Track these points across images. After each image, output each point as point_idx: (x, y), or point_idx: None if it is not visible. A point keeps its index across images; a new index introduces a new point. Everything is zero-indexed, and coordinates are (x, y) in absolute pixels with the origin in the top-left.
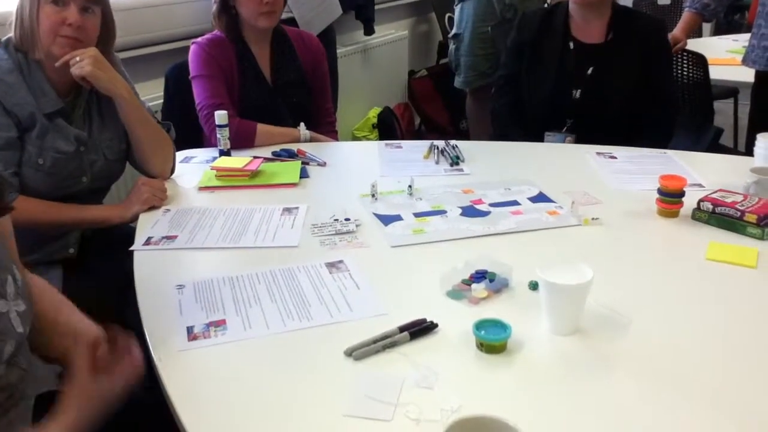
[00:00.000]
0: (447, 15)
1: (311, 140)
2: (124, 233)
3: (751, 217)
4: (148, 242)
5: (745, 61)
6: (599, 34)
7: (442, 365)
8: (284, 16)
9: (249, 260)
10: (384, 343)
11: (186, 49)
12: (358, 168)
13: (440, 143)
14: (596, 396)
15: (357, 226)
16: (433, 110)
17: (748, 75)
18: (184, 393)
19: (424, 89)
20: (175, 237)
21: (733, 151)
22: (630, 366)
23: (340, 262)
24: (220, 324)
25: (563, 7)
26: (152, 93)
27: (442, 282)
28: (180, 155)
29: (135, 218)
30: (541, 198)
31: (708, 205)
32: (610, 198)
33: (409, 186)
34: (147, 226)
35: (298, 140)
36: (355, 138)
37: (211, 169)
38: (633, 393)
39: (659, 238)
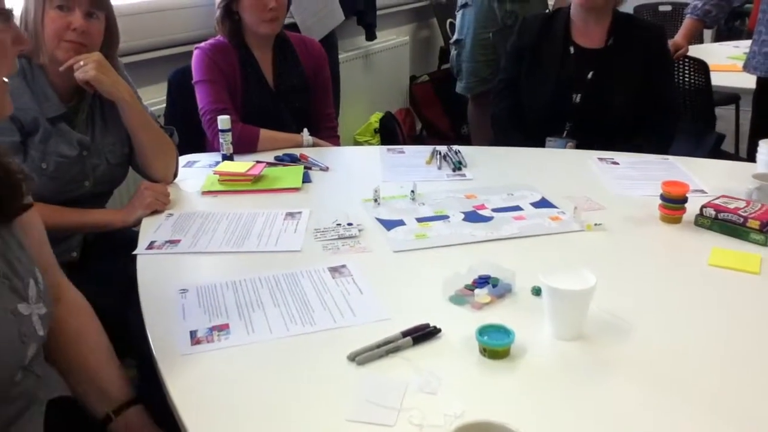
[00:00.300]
0: (448, 21)
1: (313, 146)
2: (127, 237)
3: (754, 223)
4: (151, 246)
5: (747, 68)
6: (599, 39)
7: (445, 370)
8: (286, 21)
9: (252, 265)
10: (387, 348)
11: (188, 54)
12: (361, 173)
13: (442, 148)
14: (599, 401)
15: (360, 230)
16: (435, 115)
17: (749, 81)
18: (188, 397)
19: (426, 94)
20: (178, 241)
21: (734, 157)
22: (633, 371)
23: (343, 266)
24: (223, 328)
25: (564, 12)
26: (155, 97)
27: (445, 287)
28: (183, 160)
29: (138, 222)
30: (543, 203)
31: (711, 211)
32: (612, 204)
33: (412, 191)
34: (150, 230)
35: (300, 146)
36: (356, 143)
37: (214, 173)
38: (636, 398)
39: (662, 244)
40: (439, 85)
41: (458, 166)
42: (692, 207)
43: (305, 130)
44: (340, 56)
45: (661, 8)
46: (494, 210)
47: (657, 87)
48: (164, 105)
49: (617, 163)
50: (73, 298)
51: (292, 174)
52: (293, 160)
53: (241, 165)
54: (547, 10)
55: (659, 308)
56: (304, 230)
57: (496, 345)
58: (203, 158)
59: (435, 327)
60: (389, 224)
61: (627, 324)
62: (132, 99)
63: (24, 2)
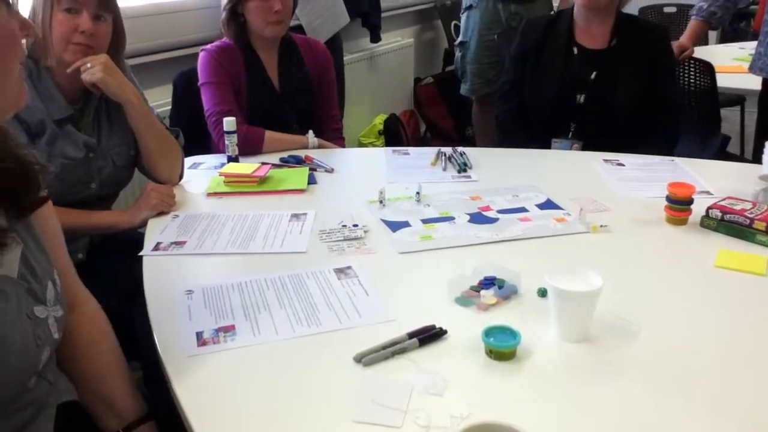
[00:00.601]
0: (453, 23)
1: (319, 147)
2: (133, 239)
3: (761, 225)
4: (157, 248)
5: (752, 69)
6: (603, 40)
7: (452, 372)
8: (291, 23)
9: (257, 266)
10: (393, 350)
11: (194, 56)
12: (366, 174)
13: (447, 150)
14: (605, 403)
15: (365, 232)
16: (439, 117)
17: (754, 83)
18: (194, 398)
19: (430, 96)
20: (184, 243)
21: (740, 158)
22: (639, 373)
23: (349, 268)
24: (229, 329)
25: (567, 13)
26: (160, 99)
27: (451, 288)
28: (188, 161)
29: (144, 224)
30: (548, 205)
31: (717, 213)
32: (617, 205)
33: (417, 192)
34: (156, 231)
35: (306, 147)
36: (361, 144)
37: (220, 175)
38: (642, 400)
39: (668, 245)
40: (444, 87)
41: (463, 168)
42: (698, 208)
43: (310, 131)
44: (344, 58)
45: (666, 9)
46: (499, 211)
47: (660, 88)
48: (169, 107)
49: (623, 165)
50: (92, 309)
51: (297, 175)
52: (298, 161)
53: (247, 166)
54: (552, 12)
55: (665, 310)
56: (309, 231)
57: (502, 346)
58: (208, 160)
59: (441, 328)
60: (394, 225)
61: (633, 326)
62: (138, 101)
63: (32, 4)
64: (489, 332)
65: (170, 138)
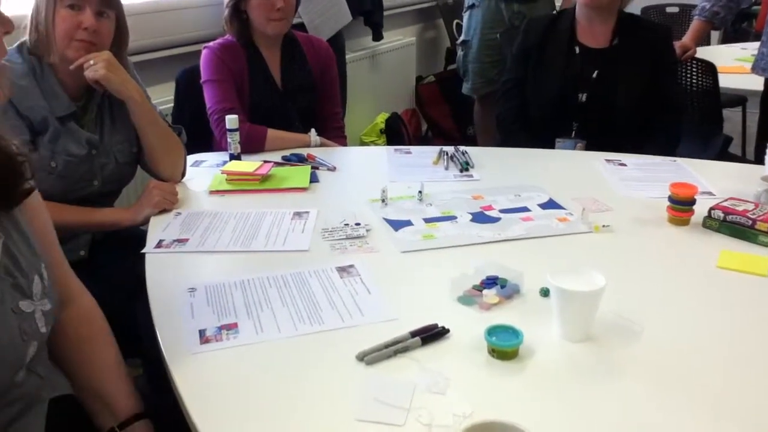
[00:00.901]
0: (455, 21)
1: (321, 146)
2: (135, 236)
3: (763, 226)
4: (159, 245)
5: (755, 69)
6: (605, 39)
7: (454, 371)
8: (294, 21)
9: (260, 264)
10: (396, 348)
11: (196, 53)
12: (368, 173)
13: (449, 149)
14: (607, 402)
15: (367, 230)
16: (440, 116)
17: (756, 83)
18: (197, 395)
19: (432, 95)
20: (186, 240)
21: (741, 159)
22: (641, 373)
23: (351, 266)
24: (232, 327)
25: (569, 12)
26: (163, 97)
27: (453, 287)
28: (190, 159)
29: (146, 221)
30: (551, 204)
31: (719, 214)
32: (620, 205)
33: (419, 191)
34: (158, 229)
35: (308, 145)
36: (362, 143)
37: (222, 172)
38: (644, 399)
39: (670, 246)
40: (446, 86)
41: (465, 167)
42: (700, 209)
43: (312, 130)
44: (346, 56)
45: (669, 9)
46: (501, 211)
47: (662, 88)
48: (171, 104)
49: (625, 165)
50: (87, 305)
51: (299, 174)
52: (300, 159)
53: (249, 164)
54: (555, 11)
55: (668, 310)
56: (311, 230)
57: (504, 346)
58: (211, 158)
59: (443, 327)
60: (397, 224)
61: (635, 326)
62: (141, 98)
63: (35, 1)
64: (491, 331)
65: (173, 135)
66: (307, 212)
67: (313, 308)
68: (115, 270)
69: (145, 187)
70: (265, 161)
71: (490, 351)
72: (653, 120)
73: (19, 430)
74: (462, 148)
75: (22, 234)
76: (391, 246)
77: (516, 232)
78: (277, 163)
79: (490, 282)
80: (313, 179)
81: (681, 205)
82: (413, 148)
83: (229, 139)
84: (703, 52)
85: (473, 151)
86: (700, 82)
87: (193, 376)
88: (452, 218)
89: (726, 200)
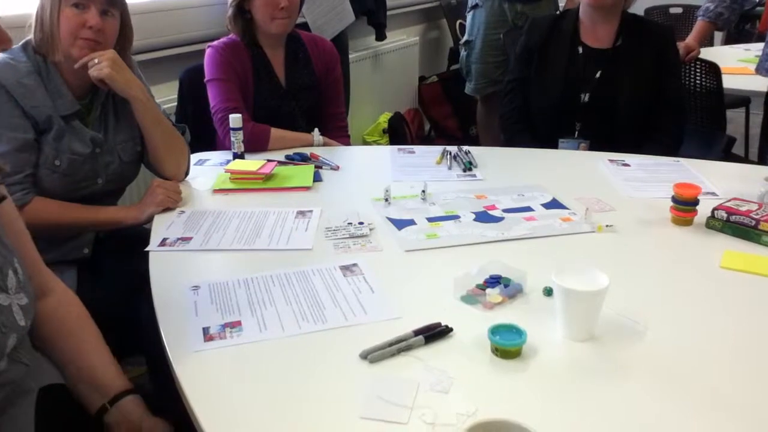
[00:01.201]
0: (458, 21)
1: (324, 145)
2: (139, 234)
3: (766, 226)
4: (163, 243)
5: (759, 70)
6: (608, 39)
7: (457, 369)
8: (297, 21)
9: (263, 263)
10: (399, 347)
11: (200, 52)
12: (371, 172)
13: (453, 149)
14: (610, 402)
15: (370, 229)
16: (443, 116)
17: (760, 84)
18: (201, 393)
19: (434, 95)
20: (190, 239)
21: (744, 160)
22: (644, 373)
23: (354, 265)
24: (235, 325)
25: (572, 13)
26: (166, 95)
27: (456, 286)
28: (194, 158)
29: (149, 220)
30: (554, 204)
31: (722, 214)
32: (623, 205)
33: (423, 191)
34: (162, 227)
35: (311, 145)
36: (365, 143)
37: (225, 171)
38: (647, 399)
39: (673, 246)
40: (448, 86)
41: (468, 167)
42: (703, 209)
43: (316, 129)
44: (350, 56)
45: (672, 10)
46: (505, 210)
47: (664, 87)
48: (176, 103)
49: (628, 165)
50: (62, 291)
51: (302, 173)
52: (304, 159)
53: (252, 163)
54: (558, 11)
55: (671, 310)
56: (315, 229)
57: (508, 345)
58: (214, 156)
59: (447, 326)
60: (400, 224)
61: (638, 325)
62: (145, 97)
63: (40, 0)
64: (495, 330)
65: (176, 134)
66: (311, 211)
67: (317, 307)
68: (118, 268)
69: (148, 186)
70: (269, 160)
71: (493, 350)
72: (656, 120)
73: (9, 419)
74: (465, 147)
75: None
76: (395, 245)
77: (519, 232)
78: (281, 162)
79: (494, 281)
80: (317, 178)
81: (684, 205)
82: (416, 148)
83: (232, 138)
84: (706, 53)
85: (476, 151)
86: (703, 83)
87: (197, 374)
88: (455, 218)
89: (729, 200)
